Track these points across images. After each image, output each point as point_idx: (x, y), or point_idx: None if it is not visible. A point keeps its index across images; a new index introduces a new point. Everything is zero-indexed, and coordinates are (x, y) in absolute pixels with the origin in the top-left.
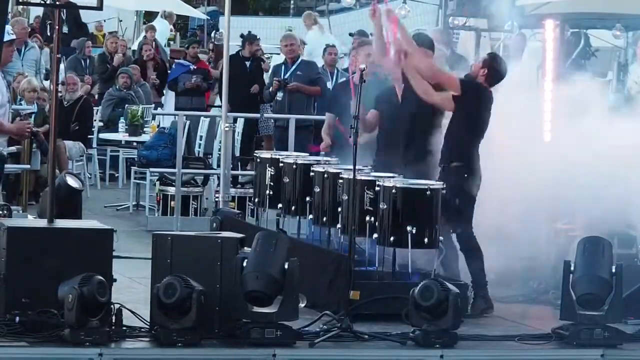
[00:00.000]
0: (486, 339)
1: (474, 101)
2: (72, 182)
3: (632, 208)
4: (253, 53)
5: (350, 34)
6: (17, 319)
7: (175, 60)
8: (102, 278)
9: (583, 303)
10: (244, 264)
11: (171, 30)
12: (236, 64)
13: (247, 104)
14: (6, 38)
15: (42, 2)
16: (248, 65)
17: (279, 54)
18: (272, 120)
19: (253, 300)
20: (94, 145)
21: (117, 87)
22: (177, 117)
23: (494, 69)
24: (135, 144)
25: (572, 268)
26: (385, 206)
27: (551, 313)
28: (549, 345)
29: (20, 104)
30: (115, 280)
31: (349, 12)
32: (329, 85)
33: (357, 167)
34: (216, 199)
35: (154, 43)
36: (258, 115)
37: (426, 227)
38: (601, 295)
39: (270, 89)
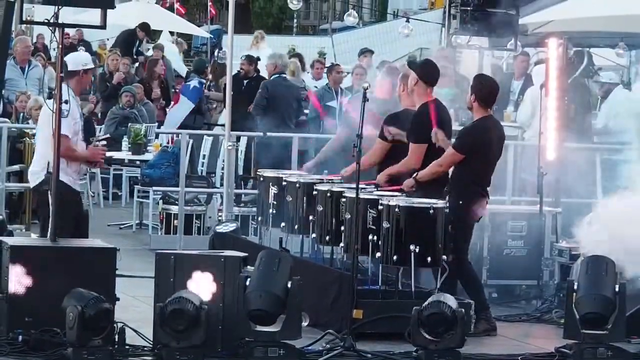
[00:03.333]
0: (489, 358)
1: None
2: None
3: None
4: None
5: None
6: (20, 337)
7: (196, 78)
8: (107, 305)
9: (586, 322)
10: (247, 282)
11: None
12: (234, 83)
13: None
14: (88, 66)
15: (46, 21)
16: (245, 84)
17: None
18: None
19: (256, 319)
20: None
21: (121, 105)
22: (180, 135)
23: (481, 88)
24: (138, 162)
25: (575, 287)
26: (388, 225)
27: (554, 332)
28: None
29: (28, 123)
30: (118, 299)
31: (352, 31)
32: (333, 103)
33: (360, 186)
34: (219, 218)
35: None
36: (261, 133)
37: (429, 246)
38: (605, 314)
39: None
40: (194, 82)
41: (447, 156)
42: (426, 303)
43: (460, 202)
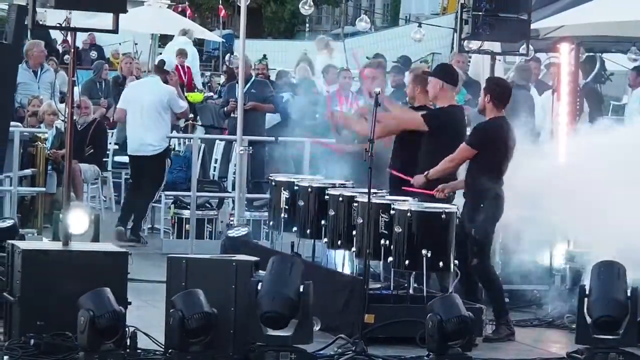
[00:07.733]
0: None
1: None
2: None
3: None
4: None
5: (367, 58)
6: (32, 341)
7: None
8: (119, 307)
9: (599, 326)
10: (259, 287)
11: None
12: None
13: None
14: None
15: (58, 25)
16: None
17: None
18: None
19: (269, 322)
20: (109, 168)
21: None
22: (192, 140)
23: (495, 88)
24: None
25: (587, 292)
26: (400, 230)
27: (566, 337)
28: None
29: (40, 127)
30: (130, 303)
31: (364, 36)
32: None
33: (372, 190)
34: (230, 222)
35: (186, 67)
36: (273, 138)
37: (441, 250)
38: (617, 318)
39: (226, 109)
40: (286, 95)
41: (460, 151)
42: (436, 308)
43: (482, 205)
